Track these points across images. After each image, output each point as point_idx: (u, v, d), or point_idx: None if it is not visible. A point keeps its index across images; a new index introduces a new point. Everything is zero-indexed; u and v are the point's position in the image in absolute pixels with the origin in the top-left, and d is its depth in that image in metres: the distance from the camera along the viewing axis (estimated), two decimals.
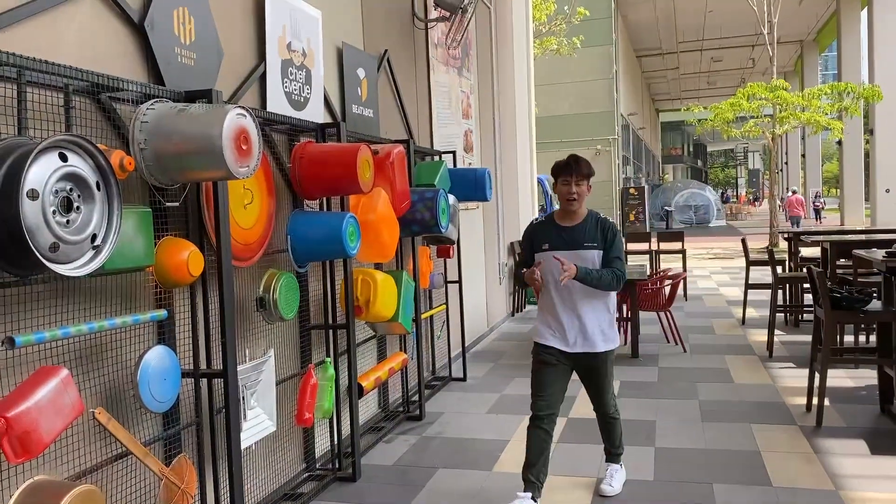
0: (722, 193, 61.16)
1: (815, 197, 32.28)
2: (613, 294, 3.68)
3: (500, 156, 9.33)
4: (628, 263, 12.00)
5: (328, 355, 4.22)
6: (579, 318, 3.58)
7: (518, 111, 10.05)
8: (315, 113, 4.34)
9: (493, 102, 9.02)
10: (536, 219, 3.78)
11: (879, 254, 5.26)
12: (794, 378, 5.98)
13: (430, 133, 6.62)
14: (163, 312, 2.79)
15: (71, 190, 2.16)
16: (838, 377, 5.84)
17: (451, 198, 5.40)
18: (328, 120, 4.57)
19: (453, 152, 6.69)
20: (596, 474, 4.08)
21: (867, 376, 5.82)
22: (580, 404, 5.45)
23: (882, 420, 4.84)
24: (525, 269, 3.58)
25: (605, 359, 3.65)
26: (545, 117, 23.92)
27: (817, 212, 31.43)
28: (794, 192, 28.80)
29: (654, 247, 11.91)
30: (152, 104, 2.69)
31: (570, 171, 3.55)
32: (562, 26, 20.43)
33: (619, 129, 28.18)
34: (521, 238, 3.87)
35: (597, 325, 3.60)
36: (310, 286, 4.16)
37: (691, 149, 69.69)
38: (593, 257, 3.54)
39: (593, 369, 3.68)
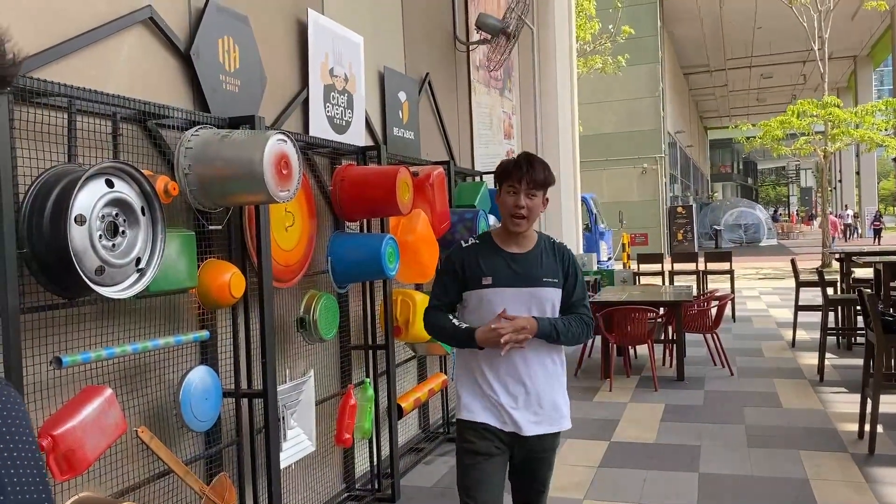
0: (774, 212, 59.92)
1: (875, 217, 31.30)
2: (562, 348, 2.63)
3: None
4: (674, 283, 11.85)
5: (367, 376, 4.25)
6: (525, 384, 2.51)
7: (561, 130, 10.03)
8: (356, 136, 4.41)
9: (535, 122, 9.02)
10: (465, 241, 2.62)
11: None
12: (846, 403, 5.80)
13: (471, 154, 6.66)
14: (205, 333, 2.85)
15: (117, 215, 2.24)
16: (892, 403, 5.65)
17: (492, 218, 5.42)
18: (369, 143, 4.64)
19: (493, 173, 6.71)
20: (638, 499, 4.01)
21: None
22: (624, 426, 5.38)
23: None
24: (476, 329, 2.44)
25: (556, 444, 2.65)
26: (590, 135, 23.83)
27: (877, 232, 30.42)
28: (831, 214, 28.44)
29: (701, 267, 11.71)
30: (197, 130, 2.77)
31: (518, 175, 2.48)
32: (607, 45, 20.39)
33: (665, 147, 27.88)
34: (441, 263, 2.63)
35: (550, 392, 2.55)
36: (350, 307, 4.21)
37: (741, 166, 68.52)
38: (553, 298, 2.53)
39: (537, 458, 2.59)
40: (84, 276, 2.07)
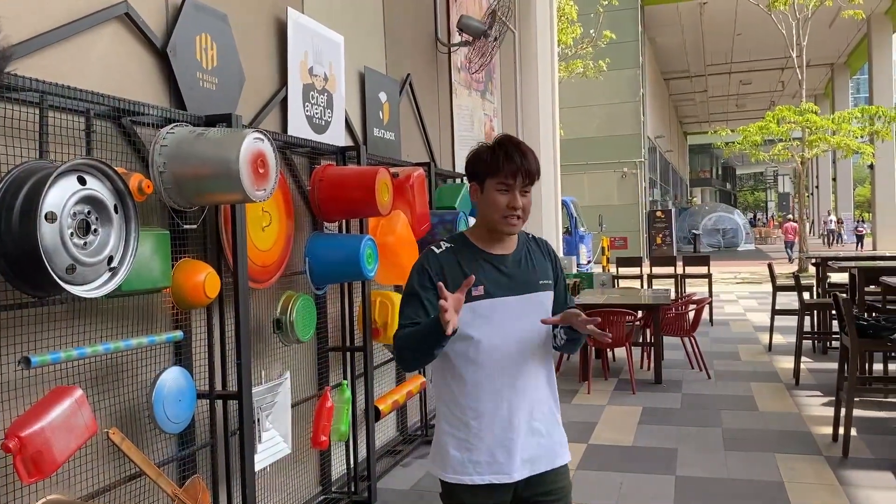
0: (753, 217, 60.53)
1: (858, 223, 31.54)
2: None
3: None
4: (653, 287, 11.91)
5: (345, 378, 4.22)
6: (532, 418, 2.06)
7: (542, 134, 10.05)
8: (336, 136, 4.38)
9: (516, 125, 9.03)
10: (436, 245, 2.10)
11: None
12: (821, 407, 5.85)
13: (451, 156, 6.65)
14: (179, 333, 2.82)
15: (89, 213, 2.20)
16: (866, 407, 5.70)
17: (472, 220, 5.41)
18: (349, 143, 4.61)
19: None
20: (615, 503, 4.01)
21: None
22: (602, 429, 5.39)
23: None
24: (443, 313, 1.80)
25: (568, 474, 2.17)
26: (571, 139, 23.90)
27: (859, 238, 30.58)
28: (790, 219, 28.97)
29: (679, 271, 11.79)
30: (172, 128, 2.73)
31: (511, 168, 2.03)
32: (588, 49, 20.49)
33: (645, 152, 28.07)
34: (410, 276, 2.09)
35: (552, 416, 2.13)
36: (328, 308, 4.18)
37: (720, 171, 69.18)
38: (549, 302, 2.13)
39: (555, 499, 2.11)
40: (54, 275, 2.03)
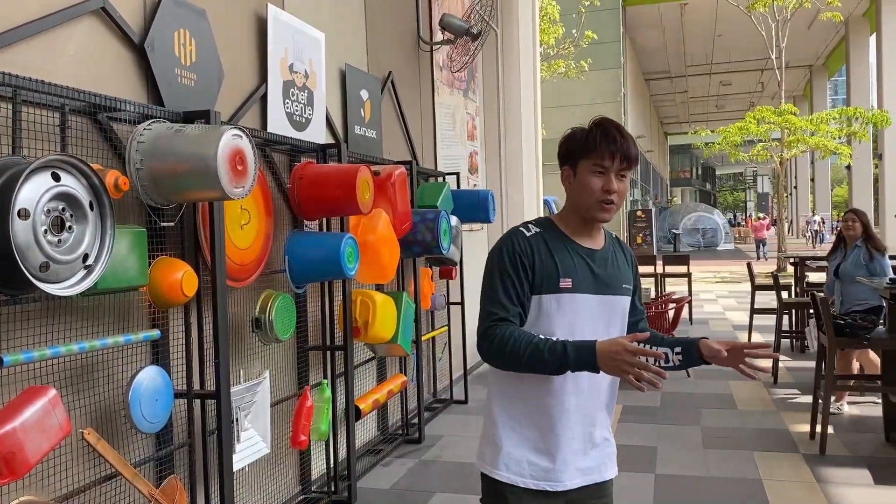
0: (732, 216, 61.04)
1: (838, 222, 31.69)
2: None
3: (505, 177, 9.34)
4: None
5: (325, 377, 4.20)
6: (594, 426, 1.97)
7: (524, 133, 10.07)
8: (317, 134, 4.35)
9: (499, 124, 9.04)
10: (524, 227, 1.96)
11: (884, 280, 5.21)
12: (799, 405, 5.91)
13: (434, 154, 6.64)
14: (156, 332, 2.78)
15: (63, 209, 2.16)
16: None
17: (454, 219, 5.40)
18: (330, 141, 4.58)
19: (457, 174, 6.70)
20: None
21: (872, 404, 5.75)
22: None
23: (887, 449, 4.77)
24: (596, 342, 1.75)
25: (612, 489, 2.08)
26: (554, 139, 23.90)
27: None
28: (759, 219, 29.48)
29: (659, 270, 11.85)
30: (149, 124, 2.70)
31: (611, 149, 1.86)
32: (570, 49, 20.55)
33: None
34: (497, 258, 1.91)
35: (608, 425, 2.04)
36: (308, 307, 4.15)
37: (700, 172, 69.73)
38: (626, 310, 2.02)
39: None
40: (27, 273, 2.00)
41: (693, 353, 1.94)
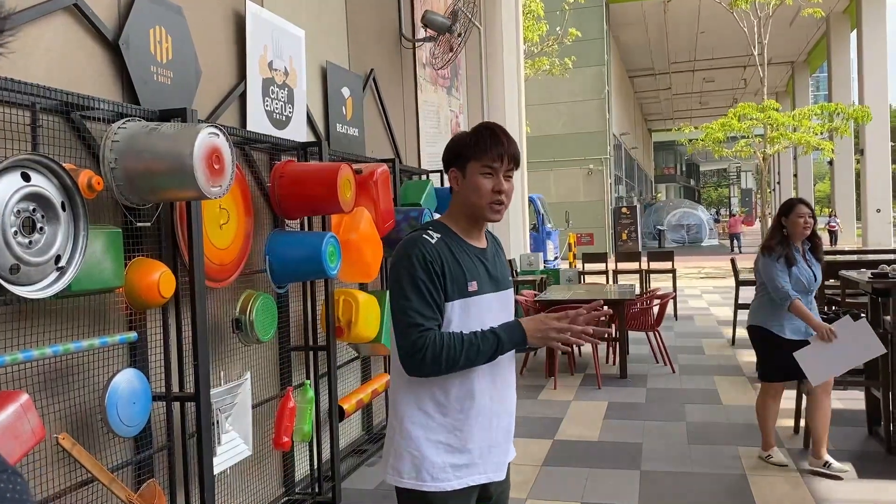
0: (716, 212, 61.38)
1: (830, 218, 31.00)
2: None
3: None
4: (618, 282, 11.99)
5: (308, 377, 4.16)
6: (507, 411, 2.02)
7: (509, 131, 10.06)
8: (297, 132, 4.31)
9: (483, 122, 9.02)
10: (425, 233, 1.92)
11: (866, 275, 5.23)
12: (783, 400, 5.91)
13: (417, 152, 6.60)
14: (133, 335, 2.73)
15: (34, 210, 2.12)
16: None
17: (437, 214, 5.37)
18: (311, 139, 4.54)
19: (440, 171, 6.67)
20: (580, 499, 4.01)
21: (855, 398, 5.77)
22: (568, 425, 5.39)
23: (869, 443, 4.79)
24: (519, 319, 1.90)
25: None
26: (538, 136, 24.00)
27: (832, 234, 29.96)
28: (732, 215, 30.10)
29: (644, 266, 11.88)
30: (124, 123, 2.65)
31: (498, 151, 1.92)
32: (554, 47, 20.56)
33: (611, 149, 28.29)
34: (407, 267, 1.87)
35: (513, 413, 2.10)
36: (290, 307, 4.11)
37: (684, 168, 70.07)
38: (513, 298, 2.11)
39: (506, 490, 2.11)
40: None
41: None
